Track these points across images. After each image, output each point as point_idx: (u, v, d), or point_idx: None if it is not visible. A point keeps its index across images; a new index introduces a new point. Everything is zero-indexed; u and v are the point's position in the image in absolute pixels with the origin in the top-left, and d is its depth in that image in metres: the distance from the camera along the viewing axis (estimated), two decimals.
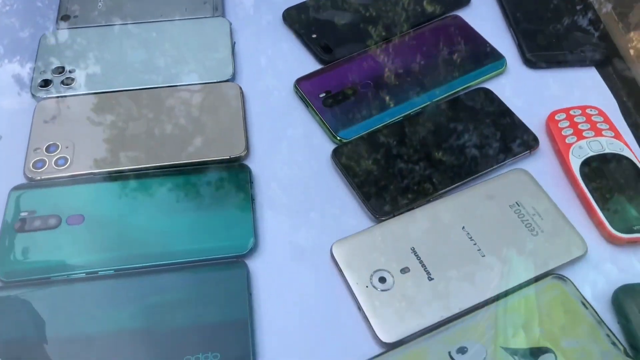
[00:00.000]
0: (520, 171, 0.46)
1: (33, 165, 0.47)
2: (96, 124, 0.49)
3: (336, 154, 0.47)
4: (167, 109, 0.50)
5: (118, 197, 0.45)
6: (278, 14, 0.58)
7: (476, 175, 0.46)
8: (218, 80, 0.52)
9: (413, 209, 0.44)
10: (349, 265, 0.42)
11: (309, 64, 0.54)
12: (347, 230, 0.43)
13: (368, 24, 0.57)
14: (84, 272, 0.41)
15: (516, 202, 0.44)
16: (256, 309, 0.40)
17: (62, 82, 0.52)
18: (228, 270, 0.41)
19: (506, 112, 0.50)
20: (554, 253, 0.42)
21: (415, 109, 0.50)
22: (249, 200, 0.45)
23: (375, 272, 0.41)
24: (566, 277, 0.40)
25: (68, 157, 0.47)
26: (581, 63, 0.53)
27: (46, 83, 0.52)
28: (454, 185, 0.45)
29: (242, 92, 0.51)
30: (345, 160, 0.47)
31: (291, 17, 0.58)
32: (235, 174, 0.46)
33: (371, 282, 0.41)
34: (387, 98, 0.51)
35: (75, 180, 0.46)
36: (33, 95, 0.51)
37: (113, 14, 0.58)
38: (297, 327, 0.40)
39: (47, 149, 0.47)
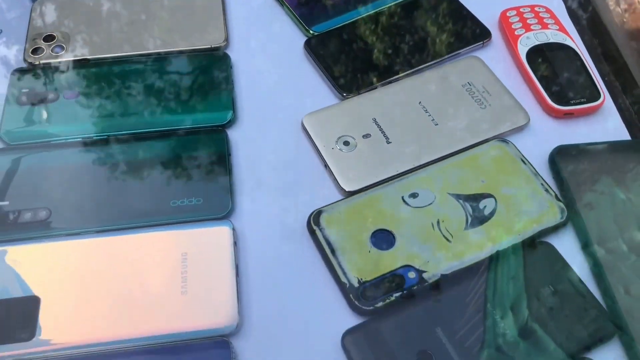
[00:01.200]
0: (474, 58, 0.52)
1: (32, 52, 0.51)
2: (90, 14, 0.54)
3: (308, 44, 0.52)
4: (159, 9, 0.55)
5: (110, 79, 0.50)
6: None
7: (434, 62, 0.51)
8: None
9: (376, 88, 0.49)
10: (317, 133, 0.47)
11: None
12: (316, 107, 0.48)
13: None
14: (80, 137, 0.46)
15: (468, 82, 0.50)
16: (235, 169, 0.45)
17: None
18: (210, 135, 0.46)
19: (462, 10, 0.55)
20: (500, 122, 0.47)
21: (380, 8, 0.55)
22: (230, 81, 0.50)
23: (340, 137, 0.46)
24: (509, 140, 0.46)
25: (64, 45, 0.52)
26: None
27: None
28: (413, 69, 0.50)
29: None
30: (315, 49, 0.52)
31: None
32: (217, 60, 0.51)
33: (336, 145, 0.46)
34: (352, 2, 0.56)
35: (70, 65, 0.51)
36: None
37: None
38: (270, 180, 0.45)
39: (45, 39, 0.52)
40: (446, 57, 0.52)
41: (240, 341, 0.37)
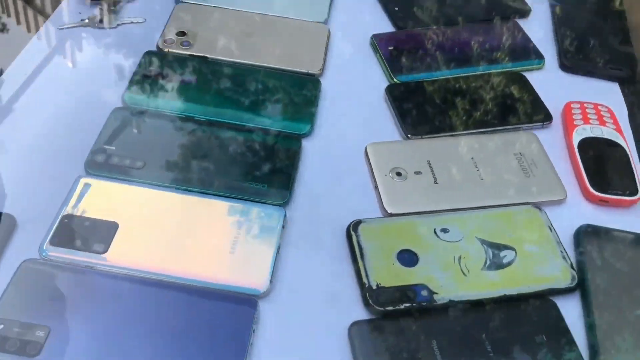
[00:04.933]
0: (532, 135, 0.57)
1: (165, 41, 0.62)
2: (217, 23, 0.65)
3: (389, 89, 0.60)
4: (274, 31, 0.65)
5: (221, 76, 0.59)
6: None
7: (495, 129, 0.57)
8: (314, 20, 0.67)
9: (437, 137, 0.56)
10: (375, 159, 0.54)
11: (386, 27, 0.68)
12: (382, 139, 0.56)
13: (441, 8, 0.71)
14: (184, 114, 0.55)
15: (520, 152, 0.55)
16: (300, 170, 0.53)
17: None
18: (288, 139, 0.54)
19: (533, 93, 0.61)
20: (539, 192, 0.52)
21: (462, 74, 0.62)
22: (316, 102, 0.58)
23: (394, 168, 0.53)
24: (542, 208, 0.51)
25: (190, 42, 0.62)
26: (607, 77, 0.64)
27: None
28: (475, 130, 0.57)
29: (329, 33, 0.66)
30: (394, 94, 0.60)
31: None
32: (310, 82, 0.60)
33: (389, 174, 0.52)
34: (441, 62, 0.63)
35: (191, 58, 0.61)
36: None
37: None
38: (327, 186, 0.52)
39: (178, 34, 0.63)
40: (508, 127, 0.58)
41: (266, 304, 0.44)
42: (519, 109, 0.60)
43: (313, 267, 0.47)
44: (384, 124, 0.58)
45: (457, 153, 0.55)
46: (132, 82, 0.57)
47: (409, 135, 0.56)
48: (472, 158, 0.54)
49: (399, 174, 0.53)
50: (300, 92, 0.59)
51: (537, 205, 0.51)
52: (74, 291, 0.43)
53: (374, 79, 0.62)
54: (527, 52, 0.66)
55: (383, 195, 0.51)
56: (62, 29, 0.63)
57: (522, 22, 0.70)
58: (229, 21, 0.66)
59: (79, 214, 0.46)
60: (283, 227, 0.48)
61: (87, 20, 0.64)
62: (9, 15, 0.73)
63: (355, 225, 0.48)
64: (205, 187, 0.50)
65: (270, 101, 0.58)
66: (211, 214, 0.48)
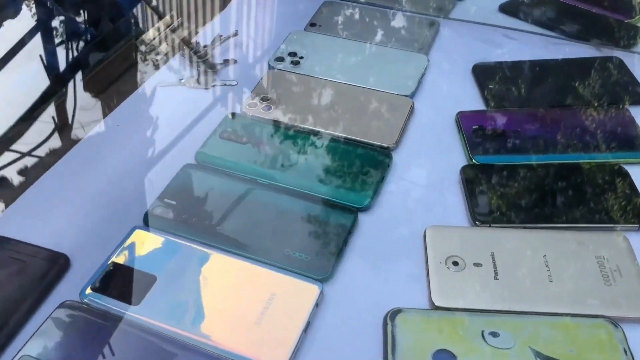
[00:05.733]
0: (622, 237, 0.50)
1: (248, 105, 0.64)
2: (302, 90, 0.66)
3: (464, 170, 0.56)
4: (358, 101, 0.65)
5: (298, 143, 0.60)
6: (468, 66, 0.70)
7: (578, 226, 0.51)
8: (401, 93, 0.65)
9: (509, 227, 0.51)
10: (433, 244, 0.50)
11: (476, 105, 0.65)
12: (448, 223, 0.52)
13: (538, 88, 0.66)
14: (250, 177, 0.56)
15: (603, 256, 0.48)
16: (349, 246, 0.50)
17: (291, 62, 0.70)
18: (343, 211, 0.53)
19: (633, 189, 0.54)
20: (619, 305, 0.45)
21: (547, 161, 0.57)
22: (382, 176, 0.56)
23: (452, 256, 0.49)
24: (619, 325, 0.43)
25: (272, 107, 0.64)
26: None
27: (280, 60, 0.70)
28: (553, 225, 0.51)
29: (412, 107, 0.64)
30: (468, 176, 0.56)
31: (478, 72, 0.69)
32: (380, 155, 0.58)
33: (445, 262, 0.48)
34: (528, 147, 0.58)
35: (267, 122, 0.62)
36: (269, 65, 0.70)
37: (347, 30, 0.75)
38: (374, 266, 0.49)
39: (262, 98, 0.65)
40: (594, 226, 0.51)
41: None
42: (613, 206, 0.53)
43: (340, 354, 0.43)
44: (454, 207, 0.54)
45: (528, 248, 0.49)
46: (207, 141, 0.60)
47: (476, 222, 0.52)
48: (545, 256, 0.48)
49: (455, 263, 0.48)
50: (368, 164, 0.57)
51: (614, 321, 0.44)
52: (100, 339, 0.44)
53: (452, 158, 0.59)
54: (633, 143, 0.59)
55: (433, 284, 0.47)
56: (162, 86, 0.68)
57: (634, 110, 0.63)
58: (315, 89, 0.66)
59: (124, 262, 0.48)
60: (317, 304, 0.45)
61: (183, 80, 0.68)
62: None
63: (393, 314, 0.44)
64: (249, 251, 0.49)
65: (334, 171, 0.56)
66: (248, 279, 0.47)
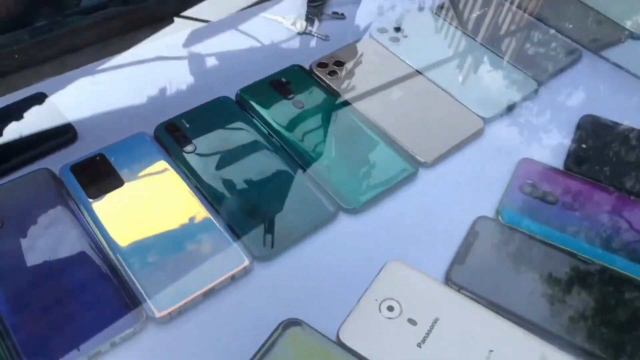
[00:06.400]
0: None
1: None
2: (375, 72, 0.61)
3: (478, 220, 0.48)
4: (428, 104, 0.58)
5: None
6: (581, 113, 0.59)
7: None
8: (477, 112, 0.57)
9: (478, 303, 0.43)
10: (382, 279, 0.44)
11: (555, 160, 0.55)
12: (419, 267, 0.45)
13: (623, 171, 0.54)
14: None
15: None
16: None
17: (390, 38, 0.64)
18: None
19: None
20: None
21: (589, 257, 0.47)
22: (390, 187, 0.51)
23: (392, 299, 0.43)
24: None
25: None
26: None
27: (382, 30, 0.65)
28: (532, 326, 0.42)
29: (479, 132, 0.56)
30: (478, 229, 0.48)
31: (584, 124, 0.58)
32: (408, 166, 0.52)
33: (381, 302, 0.43)
34: (570, 226, 0.48)
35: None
36: (369, 34, 0.65)
37: (472, 24, 0.67)
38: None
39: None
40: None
41: None
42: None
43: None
44: (439, 253, 0.47)
45: (480, 333, 0.41)
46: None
47: (449, 281, 0.45)
48: (491, 351, 0.40)
49: (390, 308, 0.43)
50: (387, 167, 0.51)
51: None
52: None
53: (482, 203, 0.50)
54: None
55: (351, 317, 0.42)
56: (264, 17, 0.68)
57: None
58: (390, 72, 0.60)
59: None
60: None
61: (287, 18, 0.67)
62: None
63: (289, 324, 0.41)
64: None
65: (348, 159, 0.52)
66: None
